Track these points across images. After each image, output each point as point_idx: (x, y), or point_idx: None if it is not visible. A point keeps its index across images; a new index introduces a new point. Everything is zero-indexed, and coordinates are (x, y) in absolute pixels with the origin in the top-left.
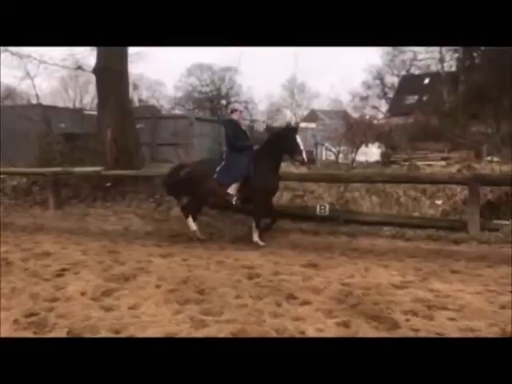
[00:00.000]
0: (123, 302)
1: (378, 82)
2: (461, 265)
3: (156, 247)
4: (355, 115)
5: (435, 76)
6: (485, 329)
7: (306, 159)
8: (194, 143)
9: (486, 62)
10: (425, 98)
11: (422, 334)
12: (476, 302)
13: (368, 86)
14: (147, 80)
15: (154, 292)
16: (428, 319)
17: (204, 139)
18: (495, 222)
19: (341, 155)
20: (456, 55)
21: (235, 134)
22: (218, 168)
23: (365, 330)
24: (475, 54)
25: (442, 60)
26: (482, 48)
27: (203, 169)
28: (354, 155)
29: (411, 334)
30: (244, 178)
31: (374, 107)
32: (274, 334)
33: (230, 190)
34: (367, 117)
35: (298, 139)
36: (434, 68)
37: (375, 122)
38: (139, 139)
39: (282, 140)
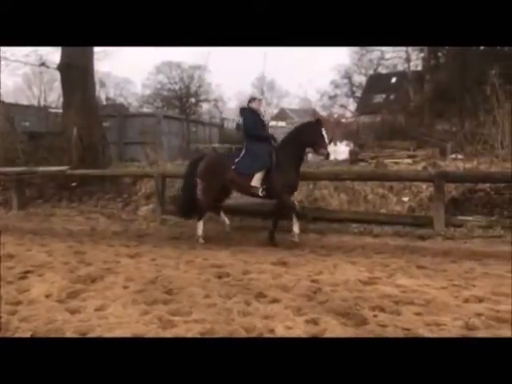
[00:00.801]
0: (90, 304)
1: (346, 81)
2: (427, 260)
3: (123, 247)
4: (324, 114)
5: (402, 75)
6: (449, 323)
7: (330, 153)
8: (163, 141)
9: (451, 62)
10: (392, 97)
11: (389, 330)
12: (441, 297)
13: (336, 85)
14: (115, 78)
15: (121, 293)
16: (395, 314)
17: (173, 137)
18: (459, 218)
19: (310, 153)
20: (422, 55)
21: (254, 123)
22: (237, 158)
23: (333, 326)
24: (440, 54)
25: (408, 59)
26: (447, 47)
27: (221, 160)
28: None
29: (379, 330)
30: (266, 169)
31: (343, 106)
32: (243, 333)
33: (253, 182)
34: (335, 115)
35: (324, 132)
36: (400, 67)
37: (343, 120)
38: (106, 138)
39: (306, 132)
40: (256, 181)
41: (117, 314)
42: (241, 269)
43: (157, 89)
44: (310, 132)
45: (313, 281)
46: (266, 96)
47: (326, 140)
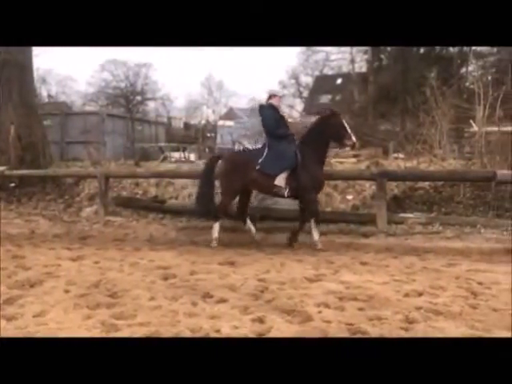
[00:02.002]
0: (28, 310)
1: (293, 81)
2: (370, 257)
3: (65, 250)
4: None
5: (347, 76)
6: (390, 317)
7: (356, 143)
8: (106, 141)
9: (393, 64)
10: (338, 98)
11: (333, 326)
12: (383, 292)
13: (284, 85)
14: (57, 75)
15: (62, 297)
16: (339, 310)
17: (117, 136)
18: (401, 215)
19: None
20: (365, 57)
21: (276, 121)
22: (262, 158)
23: (278, 324)
24: (383, 56)
25: (352, 61)
26: (389, 49)
27: (243, 159)
28: None
29: (323, 326)
30: (292, 169)
31: (290, 106)
32: (188, 334)
33: (277, 181)
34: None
35: (345, 123)
36: (345, 69)
37: (290, 120)
38: (46, 137)
39: (327, 126)
40: (280, 180)
41: (57, 320)
42: (187, 269)
43: (101, 87)
44: (331, 125)
45: (260, 280)
46: (215, 96)
47: (349, 130)
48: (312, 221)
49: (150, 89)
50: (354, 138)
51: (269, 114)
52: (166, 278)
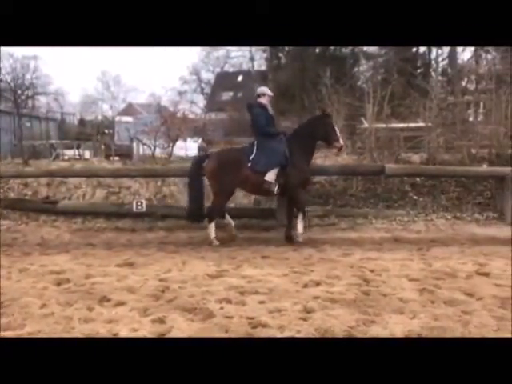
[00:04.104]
0: None
1: (194, 77)
2: (271, 250)
3: None
4: (172, 109)
5: (247, 74)
6: (290, 307)
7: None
8: None
9: (290, 63)
10: (239, 95)
11: (234, 321)
12: (283, 284)
13: (185, 81)
14: None
15: None
16: (240, 305)
17: (2, 134)
18: None
19: (158, 149)
20: (264, 55)
21: (266, 120)
22: (252, 156)
23: (180, 323)
24: (281, 55)
25: (252, 59)
26: (287, 49)
27: (234, 157)
28: (170, 149)
29: (224, 322)
30: (281, 166)
31: (192, 102)
32: None
33: (267, 176)
34: (182, 111)
35: (335, 125)
36: (245, 66)
37: (191, 116)
38: None
39: (317, 126)
40: (270, 175)
41: None
42: (83, 273)
43: None
44: (321, 125)
45: (161, 280)
46: (112, 91)
47: (338, 132)
48: (300, 215)
49: (41, 83)
50: (341, 141)
51: (259, 112)
52: (59, 284)
